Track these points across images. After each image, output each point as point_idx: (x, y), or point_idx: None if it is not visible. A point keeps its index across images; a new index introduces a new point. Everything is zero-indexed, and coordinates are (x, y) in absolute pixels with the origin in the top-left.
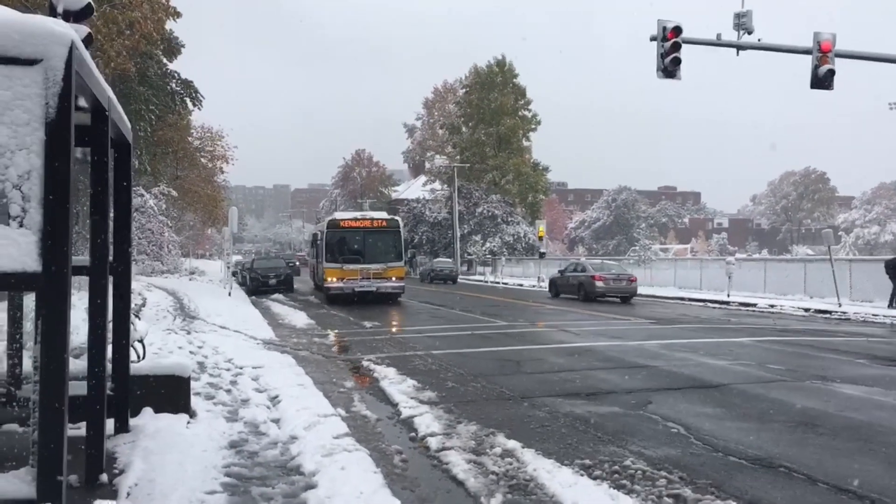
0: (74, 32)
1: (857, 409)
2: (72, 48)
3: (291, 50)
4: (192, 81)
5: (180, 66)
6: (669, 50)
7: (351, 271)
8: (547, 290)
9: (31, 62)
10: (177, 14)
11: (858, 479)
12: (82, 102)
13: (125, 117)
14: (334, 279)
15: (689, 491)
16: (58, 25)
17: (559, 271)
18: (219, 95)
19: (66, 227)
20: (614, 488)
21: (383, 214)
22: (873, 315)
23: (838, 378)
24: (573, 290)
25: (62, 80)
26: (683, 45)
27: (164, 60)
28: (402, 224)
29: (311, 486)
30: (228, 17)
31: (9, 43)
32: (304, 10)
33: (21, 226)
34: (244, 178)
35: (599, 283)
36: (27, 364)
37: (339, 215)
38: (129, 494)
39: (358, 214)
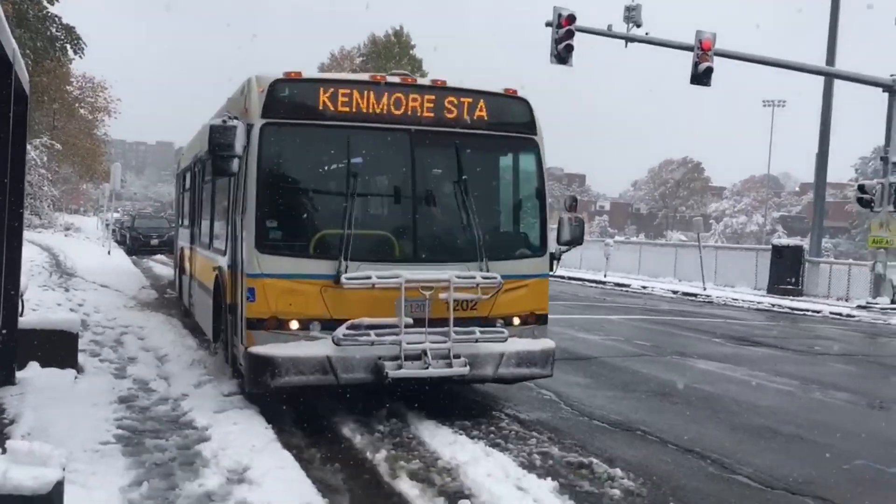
0: None
1: (709, 381)
2: None
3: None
4: (74, 27)
5: (63, 9)
6: (563, 37)
7: (373, 297)
8: None
9: None
10: None
11: (703, 441)
12: None
13: (25, 69)
14: (295, 324)
15: (557, 449)
16: None
17: None
18: (98, 43)
19: None
20: (490, 446)
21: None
22: (733, 299)
23: (695, 354)
24: None
25: None
26: (576, 34)
27: (45, 3)
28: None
29: (205, 439)
30: None
31: None
32: None
33: None
34: (125, 133)
35: None
36: None
37: (312, 74)
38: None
39: (396, 76)
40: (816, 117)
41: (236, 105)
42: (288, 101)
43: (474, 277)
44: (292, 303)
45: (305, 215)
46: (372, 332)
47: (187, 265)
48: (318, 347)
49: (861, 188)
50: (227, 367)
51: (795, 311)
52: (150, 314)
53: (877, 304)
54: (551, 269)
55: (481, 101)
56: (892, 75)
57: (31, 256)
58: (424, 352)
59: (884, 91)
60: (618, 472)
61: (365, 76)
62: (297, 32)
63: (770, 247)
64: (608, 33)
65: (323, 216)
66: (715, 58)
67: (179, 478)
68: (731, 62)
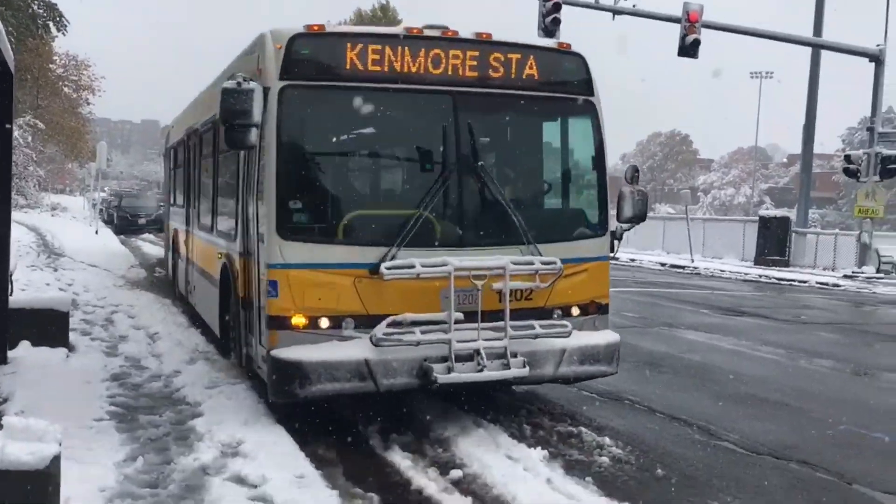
0: None
1: (697, 351)
2: None
3: None
4: (55, 4)
5: None
6: (551, 10)
7: (414, 288)
8: None
9: None
10: None
11: (690, 409)
12: None
13: (9, 47)
14: (325, 322)
15: (546, 419)
16: None
17: None
18: (80, 21)
19: None
20: (480, 417)
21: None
22: (720, 271)
23: (683, 325)
24: None
25: None
26: (563, 7)
27: None
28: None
29: (198, 415)
30: None
31: None
32: None
33: None
34: (110, 111)
35: None
36: None
37: (337, 28)
38: None
39: (434, 29)
40: (804, 88)
41: (247, 65)
42: (310, 59)
43: (533, 263)
44: (322, 297)
45: (334, 194)
46: (417, 330)
47: (183, 248)
48: (354, 349)
49: (847, 158)
50: (241, 368)
51: (782, 282)
52: (139, 293)
53: (862, 273)
54: (612, 251)
55: (531, 56)
56: (878, 45)
57: (18, 237)
58: (477, 351)
59: (870, 61)
60: (606, 440)
61: (398, 29)
62: (283, 8)
63: (757, 218)
64: (596, 6)
65: (355, 195)
66: (702, 30)
67: (174, 452)
68: (719, 34)
